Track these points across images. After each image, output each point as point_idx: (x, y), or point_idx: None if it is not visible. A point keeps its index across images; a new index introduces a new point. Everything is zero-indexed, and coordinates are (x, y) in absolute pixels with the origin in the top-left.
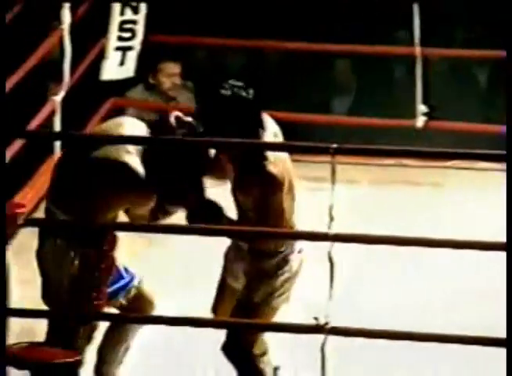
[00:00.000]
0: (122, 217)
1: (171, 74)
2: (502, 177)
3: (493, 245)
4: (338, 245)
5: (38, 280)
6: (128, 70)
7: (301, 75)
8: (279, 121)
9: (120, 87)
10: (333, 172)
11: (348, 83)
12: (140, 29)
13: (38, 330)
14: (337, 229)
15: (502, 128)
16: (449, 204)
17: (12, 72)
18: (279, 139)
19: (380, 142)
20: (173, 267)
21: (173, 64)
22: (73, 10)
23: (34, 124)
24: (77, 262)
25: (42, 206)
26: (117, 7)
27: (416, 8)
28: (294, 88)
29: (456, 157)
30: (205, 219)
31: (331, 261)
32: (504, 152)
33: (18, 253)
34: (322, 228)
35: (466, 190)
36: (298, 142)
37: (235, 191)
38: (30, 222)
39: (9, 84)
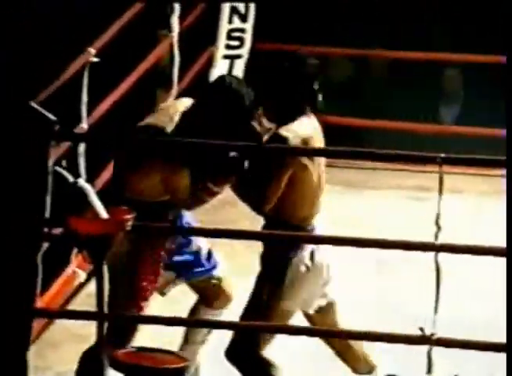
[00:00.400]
0: None
1: None
2: None
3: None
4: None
5: None
6: None
7: (409, 84)
8: (385, 130)
9: None
10: (441, 182)
11: (457, 92)
12: (248, 37)
13: None
14: (442, 238)
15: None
16: None
17: (123, 79)
18: (320, 133)
19: (488, 153)
20: None
21: None
22: (181, 18)
23: None
24: (128, 247)
25: None
26: (225, 15)
27: None
28: (402, 97)
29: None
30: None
31: (438, 271)
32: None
33: None
34: (428, 238)
35: None
36: (405, 151)
37: None
38: (136, 227)
39: (120, 90)
